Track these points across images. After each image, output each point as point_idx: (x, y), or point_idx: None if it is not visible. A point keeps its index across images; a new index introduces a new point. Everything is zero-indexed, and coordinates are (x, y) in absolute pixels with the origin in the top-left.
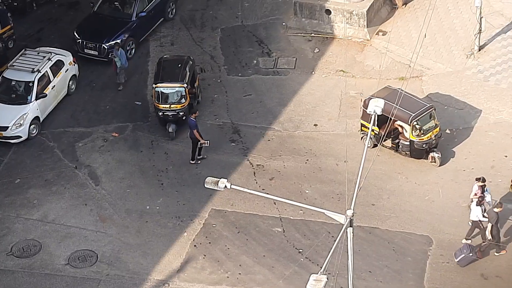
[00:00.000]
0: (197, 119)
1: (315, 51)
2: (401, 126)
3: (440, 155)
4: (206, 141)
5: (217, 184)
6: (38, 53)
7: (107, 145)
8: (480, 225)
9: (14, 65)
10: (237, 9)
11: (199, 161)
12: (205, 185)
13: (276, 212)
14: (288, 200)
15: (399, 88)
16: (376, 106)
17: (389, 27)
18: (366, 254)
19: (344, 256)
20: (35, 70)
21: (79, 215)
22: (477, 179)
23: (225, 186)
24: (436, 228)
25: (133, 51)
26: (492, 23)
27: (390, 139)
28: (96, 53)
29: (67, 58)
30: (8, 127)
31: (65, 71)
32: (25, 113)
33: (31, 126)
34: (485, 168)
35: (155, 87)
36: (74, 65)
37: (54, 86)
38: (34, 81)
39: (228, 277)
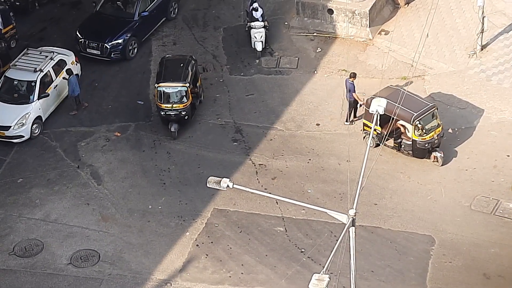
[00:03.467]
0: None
1: (317, 51)
2: (404, 126)
3: (442, 155)
4: (363, 100)
5: (220, 184)
6: (40, 53)
7: (109, 144)
8: None
9: (16, 65)
10: (240, 9)
11: (354, 123)
12: (207, 185)
13: (279, 211)
14: (291, 200)
15: (401, 88)
16: (379, 106)
17: (392, 26)
18: (368, 253)
19: (346, 256)
20: (37, 69)
21: (82, 215)
22: None
23: (228, 186)
24: (439, 227)
25: (136, 50)
26: (495, 22)
27: (393, 138)
28: (98, 52)
29: (70, 57)
30: (10, 126)
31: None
32: (28, 113)
33: (33, 126)
34: (487, 168)
35: (157, 86)
36: (76, 64)
37: (57, 85)
38: (36, 81)
39: (230, 276)
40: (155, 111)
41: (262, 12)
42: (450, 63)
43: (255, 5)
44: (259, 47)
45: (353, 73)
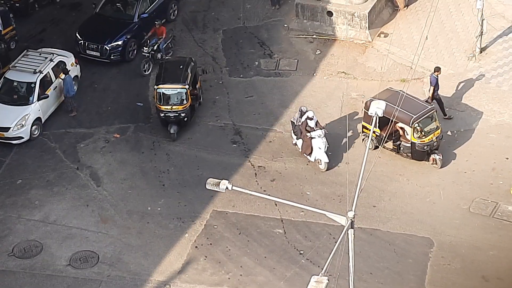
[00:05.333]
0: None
1: (316, 53)
2: (403, 128)
3: (441, 157)
4: (431, 105)
5: (219, 186)
6: (40, 54)
7: (108, 146)
8: None
9: (16, 66)
10: (239, 11)
11: (451, 117)
12: (207, 186)
13: (277, 213)
14: (289, 202)
15: (400, 90)
16: (378, 108)
17: (391, 29)
18: (367, 255)
19: (345, 258)
20: (37, 71)
21: (81, 216)
22: None
23: (227, 188)
24: (437, 230)
25: (135, 52)
26: (494, 25)
27: (392, 141)
28: (98, 54)
29: (69, 59)
30: (10, 128)
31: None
32: (27, 114)
33: (33, 127)
34: (486, 170)
35: (157, 88)
36: (76, 66)
37: (56, 87)
38: (36, 82)
39: (229, 278)
40: (155, 113)
41: (316, 120)
42: (449, 66)
43: (310, 114)
44: (325, 157)
45: (437, 67)
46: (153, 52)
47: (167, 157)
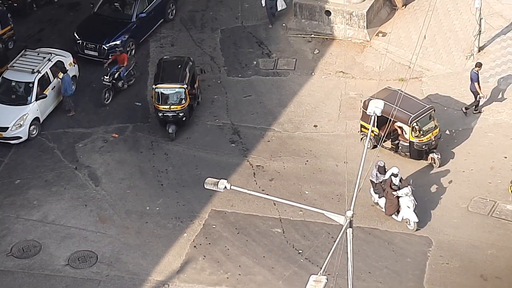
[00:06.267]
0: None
1: (315, 52)
2: (401, 127)
3: (439, 156)
4: (485, 95)
5: (217, 185)
6: (38, 54)
7: (107, 146)
8: None
9: (14, 66)
10: (237, 10)
11: (480, 112)
12: (205, 186)
13: (276, 213)
14: (288, 201)
15: (398, 89)
16: (376, 107)
17: (389, 28)
18: (366, 255)
19: (343, 257)
20: (35, 71)
21: (79, 216)
22: None
23: (225, 187)
24: (436, 229)
25: (133, 52)
26: (492, 24)
27: (390, 140)
28: (96, 54)
29: (67, 59)
30: (8, 127)
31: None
32: (25, 114)
33: (31, 127)
34: (484, 169)
35: (155, 88)
36: (74, 66)
37: (54, 86)
38: (34, 82)
39: (228, 278)
40: (153, 113)
41: (400, 176)
42: (447, 65)
43: (395, 170)
44: (415, 217)
45: (479, 62)
46: (114, 81)
47: (166, 156)
